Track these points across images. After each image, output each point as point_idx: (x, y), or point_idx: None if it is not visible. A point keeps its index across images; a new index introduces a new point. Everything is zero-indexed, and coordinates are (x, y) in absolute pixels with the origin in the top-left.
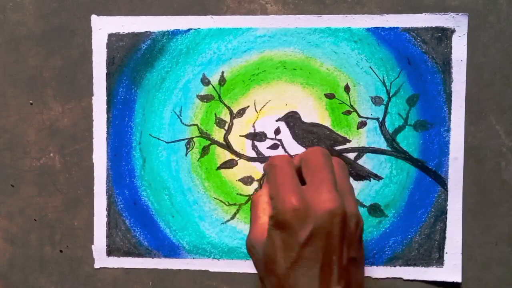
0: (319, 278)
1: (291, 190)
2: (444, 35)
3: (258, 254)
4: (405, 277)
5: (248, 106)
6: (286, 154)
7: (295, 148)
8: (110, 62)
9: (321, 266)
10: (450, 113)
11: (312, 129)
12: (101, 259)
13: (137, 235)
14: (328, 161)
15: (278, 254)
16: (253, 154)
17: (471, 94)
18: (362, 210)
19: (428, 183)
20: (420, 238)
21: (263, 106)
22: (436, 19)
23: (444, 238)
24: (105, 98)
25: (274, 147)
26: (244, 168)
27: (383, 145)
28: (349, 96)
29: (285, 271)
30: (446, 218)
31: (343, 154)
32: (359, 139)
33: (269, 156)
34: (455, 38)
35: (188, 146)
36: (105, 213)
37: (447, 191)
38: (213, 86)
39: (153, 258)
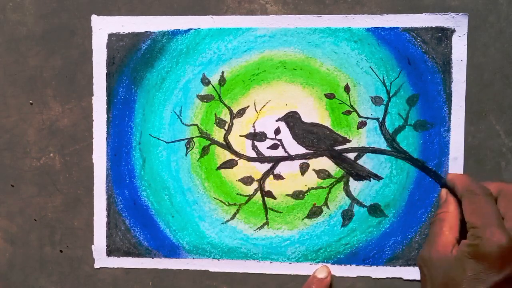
0: None
1: (498, 225)
2: (444, 35)
3: (435, 271)
4: (405, 277)
5: (248, 106)
6: (480, 183)
7: (295, 148)
8: (110, 62)
9: None
10: (450, 113)
11: (312, 129)
12: (101, 259)
13: (137, 235)
14: None
15: (465, 283)
16: (253, 154)
17: (471, 94)
18: (362, 210)
19: (428, 183)
20: (420, 238)
21: (263, 106)
22: (436, 19)
23: None
24: (105, 98)
25: (274, 147)
26: (244, 168)
27: (383, 145)
28: (349, 96)
29: None
30: None
31: (343, 154)
32: (359, 139)
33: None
34: (455, 38)
35: (188, 146)
36: (105, 213)
37: None
38: (213, 86)
39: (153, 258)
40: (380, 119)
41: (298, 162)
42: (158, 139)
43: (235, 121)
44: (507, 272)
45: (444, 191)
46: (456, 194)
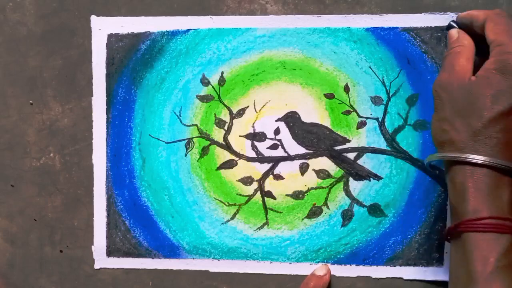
0: None
1: None
2: (443, 35)
3: (457, 93)
4: (405, 277)
5: (248, 106)
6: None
7: (295, 148)
8: (109, 63)
9: None
10: None
11: (312, 129)
12: (101, 260)
13: (137, 235)
14: None
15: (489, 100)
16: (252, 154)
17: None
18: (362, 210)
19: (428, 182)
20: (420, 238)
21: (263, 106)
22: (435, 19)
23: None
24: (104, 98)
25: (273, 147)
26: (244, 168)
27: (382, 145)
28: (348, 96)
29: (490, 112)
30: (446, 218)
31: (343, 154)
32: (358, 139)
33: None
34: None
35: (187, 147)
36: (105, 213)
37: (447, 190)
38: (212, 87)
39: (153, 258)
40: (380, 119)
41: (298, 162)
42: (158, 139)
43: (235, 121)
44: None
45: (454, 30)
46: (473, 27)
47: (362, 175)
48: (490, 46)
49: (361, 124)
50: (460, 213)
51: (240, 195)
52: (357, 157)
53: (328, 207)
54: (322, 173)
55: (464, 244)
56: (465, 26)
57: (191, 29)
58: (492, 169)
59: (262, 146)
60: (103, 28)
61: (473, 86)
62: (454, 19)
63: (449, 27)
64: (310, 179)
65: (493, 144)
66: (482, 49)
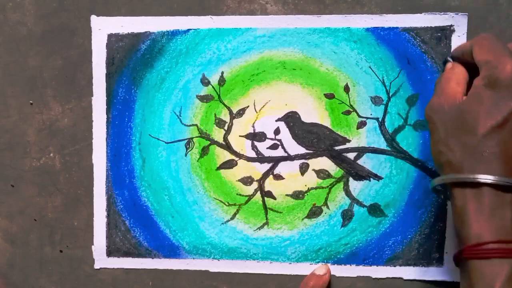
0: None
1: (509, 55)
2: (443, 35)
3: (449, 114)
4: (405, 277)
5: (248, 106)
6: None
7: (295, 148)
8: (109, 63)
9: None
10: None
11: (312, 129)
12: (101, 260)
13: (137, 235)
14: None
15: (482, 115)
16: (252, 154)
17: None
18: (362, 210)
19: (428, 182)
20: (420, 238)
21: (263, 106)
22: (435, 19)
23: (444, 238)
24: (104, 98)
25: (274, 147)
26: (244, 168)
27: (382, 145)
28: (348, 96)
29: (484, 128)
30: (446, 218)
31: (343, 154)
32: (358, 139)
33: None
34: (454, 38)
35: (187, 147)
36: (105, 213)
37: (447, 190)
38: (212, 86)
39: (153, 258)
40: (380, 119)
41: (298, 162)
42: (158, 139)
43: (235, 121)
44: None
45: (449, 63)
46: (465, 57)
47: (362, 175)
48: (479, 68)
49: (361, 124)
50: (463, 237)
51: (240, 195)
52: (357, 157)
53: (328, 207)
54: (322, 173)
55: (470, 272)
56: (459, 59)
57: (191, 29)
58: (493, 187)
59: (262, 146)
60: (103, 28)
61: (464, 105)
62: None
63: (445, 62)
64: (310, 179)
65: (491, 160)
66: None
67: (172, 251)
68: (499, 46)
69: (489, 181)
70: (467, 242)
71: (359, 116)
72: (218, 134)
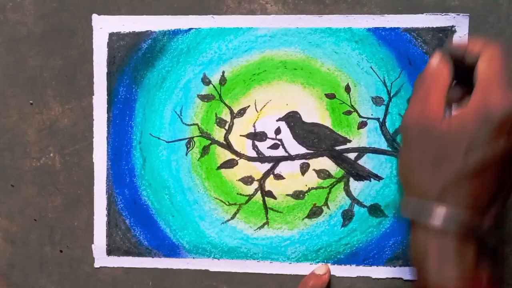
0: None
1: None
2: (445, 35)
3: (425, 135)
4: (405, 277)
5: (249, 106)
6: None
7: (295, 148)
8: (110, 62)
9: None
10: None
11: (312, 129)
12: (101, 259)
13: (137, 234)
14: None
15: (462, 142)
16: (253, 154)
17: None
18: (362, 211)
19: None
20: None
21: (264, 106)
22: (436, 19)
23: None
24: (105, 97)
25: (274, 147)
26: (245, 168)
27: (383, 145)
28: (349, 96)
29: (462, 165)
30: None
31: (344, 154)
32: (359, 139)
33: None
34: (455, 39)
35: (188, 146)
36: (105, 212)
37: None
38: (213, 86)
39: (153, 257)
40: (381, 119)
41: (298, 162)
42: (159, 138)
43: (236, 120)
44: None
45: (436, 58)
46: (464, 59)
47: (363, 175)
48: (475, 85)
49: (362, 124)
50: (422, 277)
51: (240, 194)
52: (358, 157)
53: (328, 207)
54: (322, 173)
55: None
56: (456, 56)
57: (192, 28)
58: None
59: (263, 146)
60: (104, 26)
61: (446, 132)
62: (455, 28)
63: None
64: (311, 179)
65: (462, 198)
66: (466, 77)
67: (172, 250)
68: (508, 73)
69: (459, 226)
70: (426, 283)
71: (360, 116)
72: (218, 134)
